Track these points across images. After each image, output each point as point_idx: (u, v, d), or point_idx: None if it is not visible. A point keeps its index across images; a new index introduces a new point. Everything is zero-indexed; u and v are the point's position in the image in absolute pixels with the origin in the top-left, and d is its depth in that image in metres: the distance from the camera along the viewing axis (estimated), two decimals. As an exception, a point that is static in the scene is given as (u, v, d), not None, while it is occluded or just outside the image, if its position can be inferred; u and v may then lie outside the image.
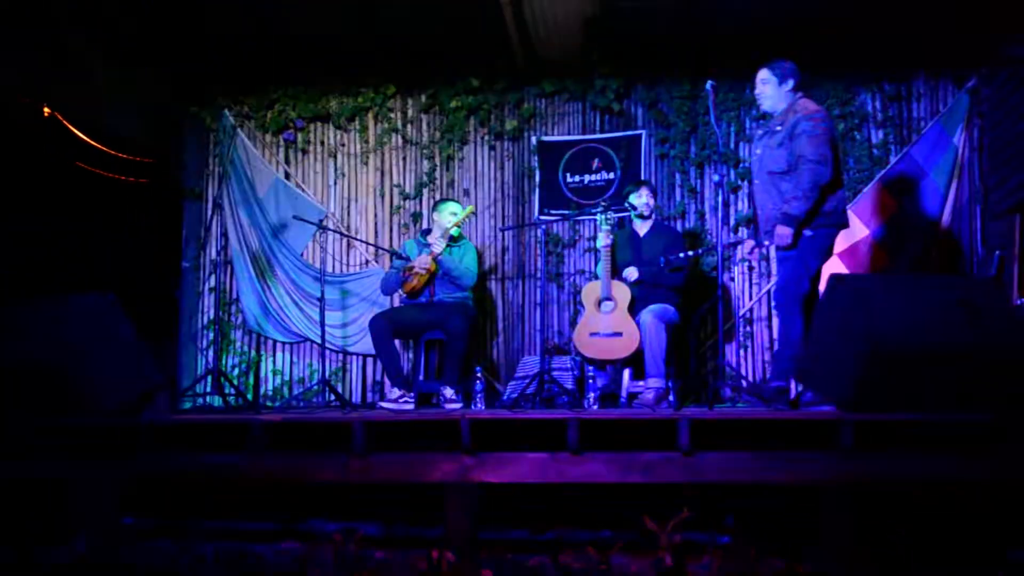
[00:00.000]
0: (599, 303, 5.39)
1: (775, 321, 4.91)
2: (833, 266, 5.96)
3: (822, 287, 4.23)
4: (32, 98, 5.91)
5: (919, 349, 3.62)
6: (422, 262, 5.56)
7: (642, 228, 5.69)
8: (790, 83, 4.70)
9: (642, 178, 6.28)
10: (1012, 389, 3.65)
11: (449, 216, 5.72)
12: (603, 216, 5.44)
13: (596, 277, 5.64)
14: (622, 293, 5.36)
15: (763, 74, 4.76)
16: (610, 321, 5.32)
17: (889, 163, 6.14)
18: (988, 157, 5.99)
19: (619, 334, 5.28)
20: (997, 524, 3.72)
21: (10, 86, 5.69)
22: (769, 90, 4.74)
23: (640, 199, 5.61)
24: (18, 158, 7.36)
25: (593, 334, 5.33)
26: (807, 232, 4.57)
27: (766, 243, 4.81)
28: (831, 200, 4.60)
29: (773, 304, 4.80)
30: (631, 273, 5.49)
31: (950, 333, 3.68)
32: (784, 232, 4.53)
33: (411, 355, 6.10)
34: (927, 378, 3.64)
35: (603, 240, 5.40)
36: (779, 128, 4.66)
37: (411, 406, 5.39)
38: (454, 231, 5.69)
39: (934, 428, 3.60)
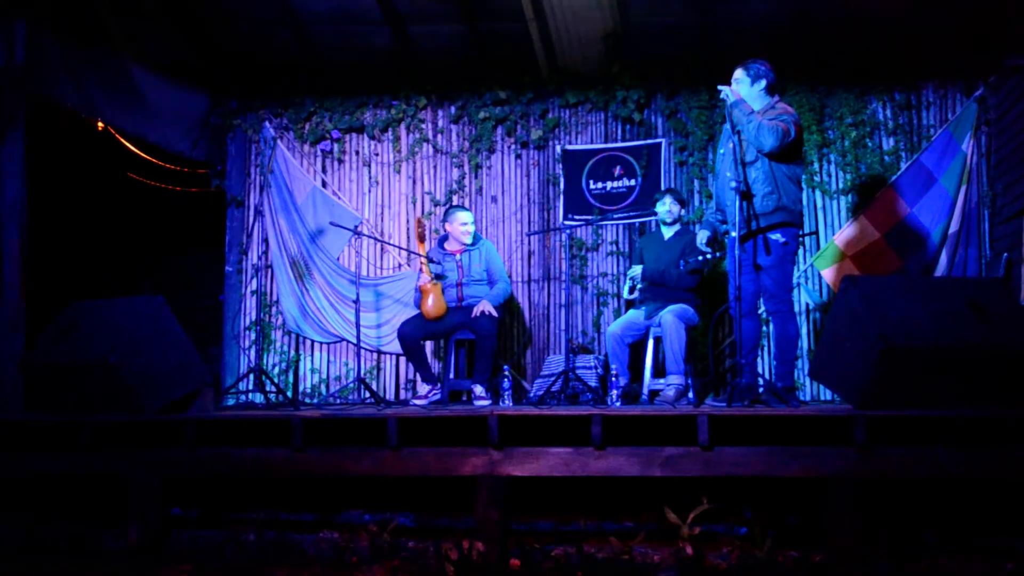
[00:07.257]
0: None
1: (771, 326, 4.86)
2: (846, 268, 5.94)
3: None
4: (89, 114, 5.98)
5: (930, 348, 3.58)
6: (422, 282, 5.54)
7: (667, 232, 5.66)
8: (763, 83, 4.61)
9: (663, 186, 6.29)
10: (1020, 387, 3.61)
11: (459, 226, 5.70)
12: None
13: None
14: None
15: (737, 74, 4.65)
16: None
17: (900, 169, 6.07)
18: (995, 163, 5.92)
19: None
20: (1005, 518, 3.67)
21: (71, 104, 5.77)
22: (742, 90, 4.61)
23: (663, 207, 5.60)
24: (75, 170, 7.47)
25: None
26: (781, 238, 4.53)
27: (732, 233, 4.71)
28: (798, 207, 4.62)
29: (766, 311, 4.73)
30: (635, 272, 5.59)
31: (960, 333, 3.64)
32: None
33: (442, 354, 6.11)
34: (937, 376, 3.61)
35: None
36: None
37: (439, 399, 5.45)
38: (467, 240, 5.69)
39: (944, 425, 3.57)
